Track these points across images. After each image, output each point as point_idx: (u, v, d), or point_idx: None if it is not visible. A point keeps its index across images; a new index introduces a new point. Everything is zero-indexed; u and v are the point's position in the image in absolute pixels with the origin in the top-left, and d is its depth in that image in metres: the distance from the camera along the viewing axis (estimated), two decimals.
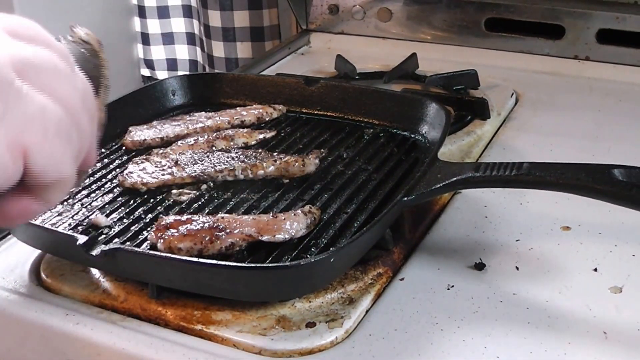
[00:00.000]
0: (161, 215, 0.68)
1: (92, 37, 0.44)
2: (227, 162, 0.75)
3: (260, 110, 0.89)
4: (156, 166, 0.75)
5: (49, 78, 0.35)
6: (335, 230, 0.65)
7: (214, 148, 0.80)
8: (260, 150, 0.79)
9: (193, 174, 0.74)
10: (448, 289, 0.63)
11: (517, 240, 0.69)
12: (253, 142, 0.83)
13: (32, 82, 0.34)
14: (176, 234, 0.62)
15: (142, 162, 0.77)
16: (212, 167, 0.74)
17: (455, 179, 0.65)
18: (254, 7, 1.35)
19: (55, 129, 0.34)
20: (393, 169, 0.76)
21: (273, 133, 0.86)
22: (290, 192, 0.73)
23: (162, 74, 1.54)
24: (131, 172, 0.75)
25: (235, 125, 0.87)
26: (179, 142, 0.82)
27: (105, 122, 0.41)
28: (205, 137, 0.82)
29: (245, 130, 0.85)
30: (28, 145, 0.33)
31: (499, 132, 0.93)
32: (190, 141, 0.81)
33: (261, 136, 0.84)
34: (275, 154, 0.78)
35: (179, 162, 0.76)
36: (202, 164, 0.75)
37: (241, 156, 0.76)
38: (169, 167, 0.75)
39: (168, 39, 1.52)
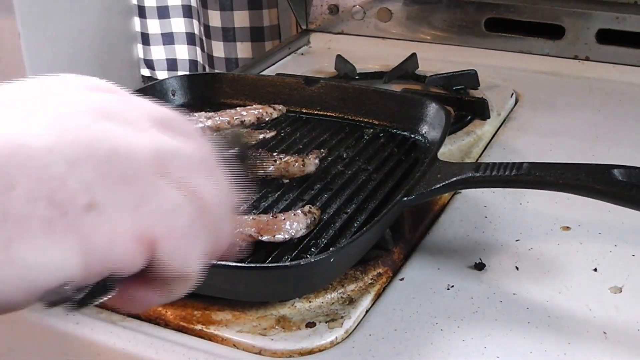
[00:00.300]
0: None
1: (245, 139, 0.45)
2: None
3: (260, 110, 0.89)
4: None
5: (188, 174, 0.34)
6: (335, 230, 0.65)
7: None
8: (260, 150, 0.79)
9: None
10: (448, 289, 0.63)
11: (517, 240, 0.69)
12: (253, 142, 0.83)
13: (170, 177, 0.33)
14: None
15: None
16: None
17: (455, 179, 0.65)
18: (254, 7, 1.35)
19: (186, 227, 0.34)
20: (393, 169, 0.76)
21: (273, 133, 0.86)
22: (290, 192, 0.73)
23: (162, 74, 1.54)
24: None
25: (235, 125, 0.87)
26: None
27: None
28: None
29: (245, 130, 0.85)
30: (156, 239, 0.33)
31: (498, 132, 0.93)
32: None
33: (261, 136, 0.84)
34: (275, 154, 0.78)
35: None
36: None
37: None
38: None
39: (168, 39, 1.52)
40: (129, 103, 0.36)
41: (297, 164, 0.75)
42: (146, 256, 0.33)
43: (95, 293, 0.34)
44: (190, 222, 0.34)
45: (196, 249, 0.35)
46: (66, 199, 0.30)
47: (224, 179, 0.37)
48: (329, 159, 0.79)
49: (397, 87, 1.00)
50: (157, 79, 1.38)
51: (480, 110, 0.93)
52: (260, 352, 0.56)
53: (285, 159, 0.76)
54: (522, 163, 0.64)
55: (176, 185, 0.34)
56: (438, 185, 0.65)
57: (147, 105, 0.36)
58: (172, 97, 0.94)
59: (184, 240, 0.34)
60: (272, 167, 0.75)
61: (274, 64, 1.20)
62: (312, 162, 0.76)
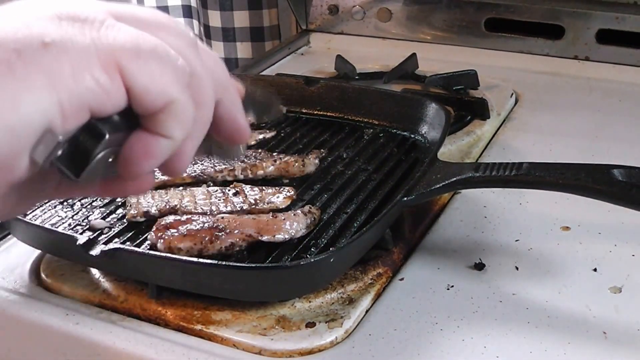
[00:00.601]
0: None
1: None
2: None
3: None
4: None
5: (146, 23, 0.36)
6: (335, 230, 0.65)
7: None
8: (260, 150, 0.79)
9: (193, 174, 0.74)
10: (448, 289, 0.63)
11: (516, 240, 0.69)
12: (253, 142, 0.83)
13: (126, 23, 0.36)
14: (176, 234, 0.62)
15: None
16: (212, 167, 0.74)
17: (455, 179, 0.65)
18: (254, 7, 1.35)
19: (149, 51, 0.35)
20: (393, 169, 0.76)
21: (273, 133, 0.86)
22: None
23: None
24: None
25: None
26: None
27: None
28: None
29: None
30: (123, 64, 0.34)
31: (498, 132, 0.93)
32: None
33: (261, 136, 0.84)
34: (275, 154, 0.78)
35: None
36: (202, 164, 0.75)
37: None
38: None
39: None
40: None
41: (297, 164, 0.75)
42: (120, 86, 0.34)
43: (88, 143, 0.34)
44: (154, 49, 0.35)
45: (167, 70, 0.36)
46: (19, 40, 0.32)
47: (191, 37, 0.39)
48: (329, 159, 0.79)
49: (397, 87, 1.00)
50: None
51: (480, 110, 0.93)
52: (260, 352, 0.56)
53: (285, 159, 0.76)
54: (522, 163, 0.64)
55: (134, 26, 0.36)
56: (438, 185, 0.65)
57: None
58: None
59: (151, 62, 0.35)
60: (272, 167, 0.75)
61: (274, 64, 1.20)
62: (312, 162, 0.76)
